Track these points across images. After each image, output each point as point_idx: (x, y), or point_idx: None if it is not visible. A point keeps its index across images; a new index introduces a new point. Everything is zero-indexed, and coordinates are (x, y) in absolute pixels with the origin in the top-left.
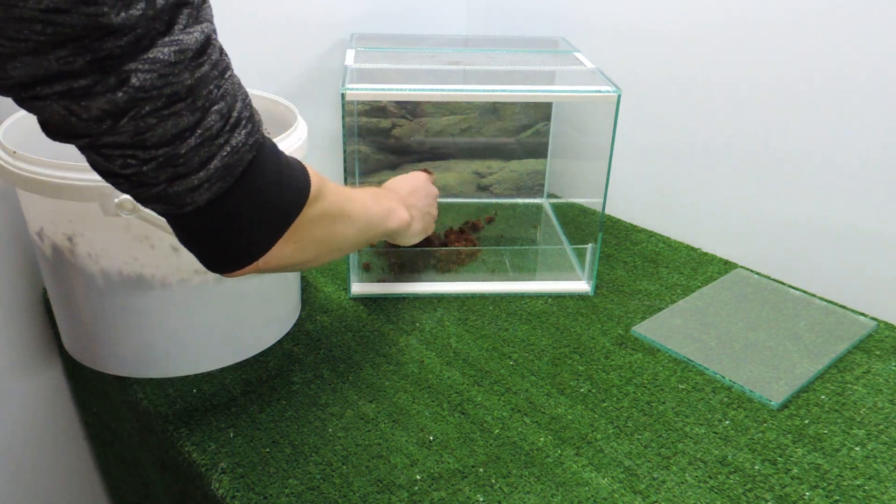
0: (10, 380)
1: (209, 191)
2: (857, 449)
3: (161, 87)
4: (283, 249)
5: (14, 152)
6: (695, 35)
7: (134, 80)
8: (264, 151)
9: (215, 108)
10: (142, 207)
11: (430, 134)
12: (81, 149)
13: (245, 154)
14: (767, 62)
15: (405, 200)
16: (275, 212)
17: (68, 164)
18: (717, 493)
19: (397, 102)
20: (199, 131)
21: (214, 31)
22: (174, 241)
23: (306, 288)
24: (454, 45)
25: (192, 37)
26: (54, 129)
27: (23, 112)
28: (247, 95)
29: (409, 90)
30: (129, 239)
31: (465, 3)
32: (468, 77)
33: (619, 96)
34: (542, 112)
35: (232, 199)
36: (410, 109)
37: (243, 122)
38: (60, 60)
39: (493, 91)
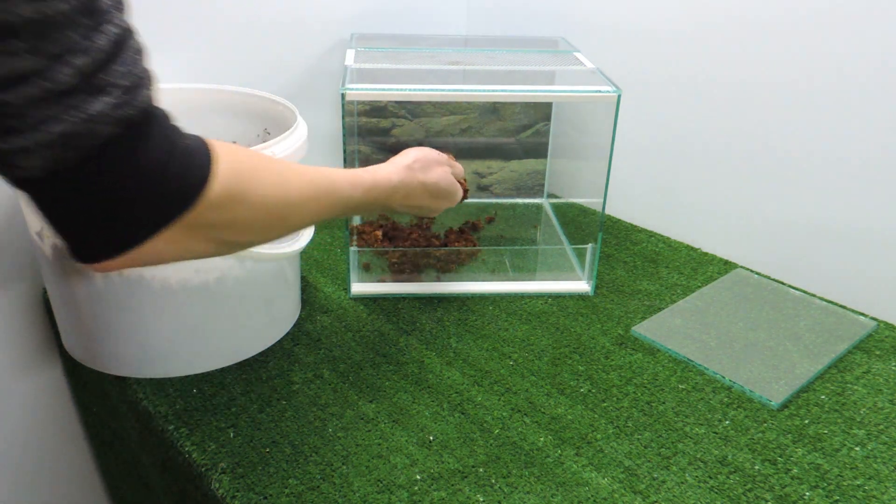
0: (10, 380)
1: (44, 158)
2: (857, 449)
3: None
4: (163, 244)
5: None
6: (695, 35)
7: None
8: (146, 130)
9: (73, 60)
10: None
11: (430, 134)
12: None
13: (102, 127)
14: (767, 62)
15: (411, 166)
16: (152, 201)
17: None
18: (717, 493)
19: (397, 102)
20: (41, 82)
21: None
22: None
23: (306, 288)
24: (454, 45)
25: None
26: None
27: None
28: (139, 64)
29: (409, 90)
30: None
31: (465, 3)
32: (468, 77)
33: (619, 96)
34: (542, 112)
35: (85, 176)
36: (410, 109)
37: (115, 90)
38: None
39: (493, 91)
